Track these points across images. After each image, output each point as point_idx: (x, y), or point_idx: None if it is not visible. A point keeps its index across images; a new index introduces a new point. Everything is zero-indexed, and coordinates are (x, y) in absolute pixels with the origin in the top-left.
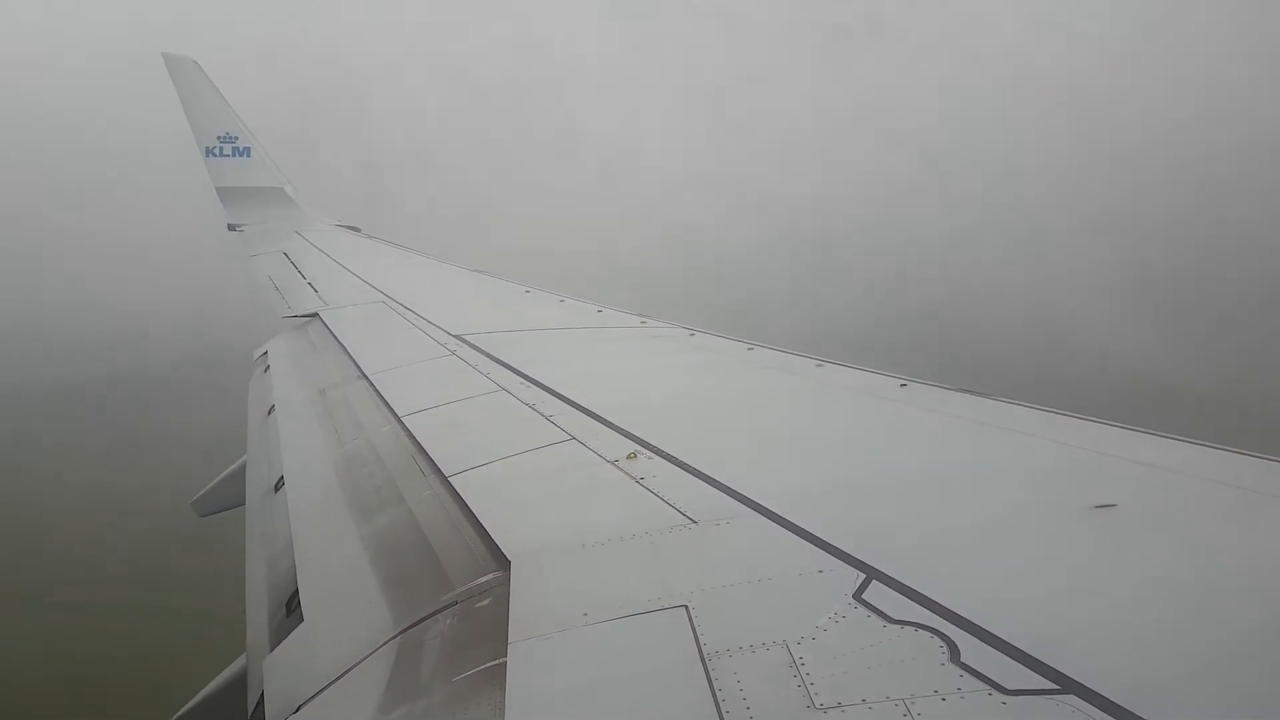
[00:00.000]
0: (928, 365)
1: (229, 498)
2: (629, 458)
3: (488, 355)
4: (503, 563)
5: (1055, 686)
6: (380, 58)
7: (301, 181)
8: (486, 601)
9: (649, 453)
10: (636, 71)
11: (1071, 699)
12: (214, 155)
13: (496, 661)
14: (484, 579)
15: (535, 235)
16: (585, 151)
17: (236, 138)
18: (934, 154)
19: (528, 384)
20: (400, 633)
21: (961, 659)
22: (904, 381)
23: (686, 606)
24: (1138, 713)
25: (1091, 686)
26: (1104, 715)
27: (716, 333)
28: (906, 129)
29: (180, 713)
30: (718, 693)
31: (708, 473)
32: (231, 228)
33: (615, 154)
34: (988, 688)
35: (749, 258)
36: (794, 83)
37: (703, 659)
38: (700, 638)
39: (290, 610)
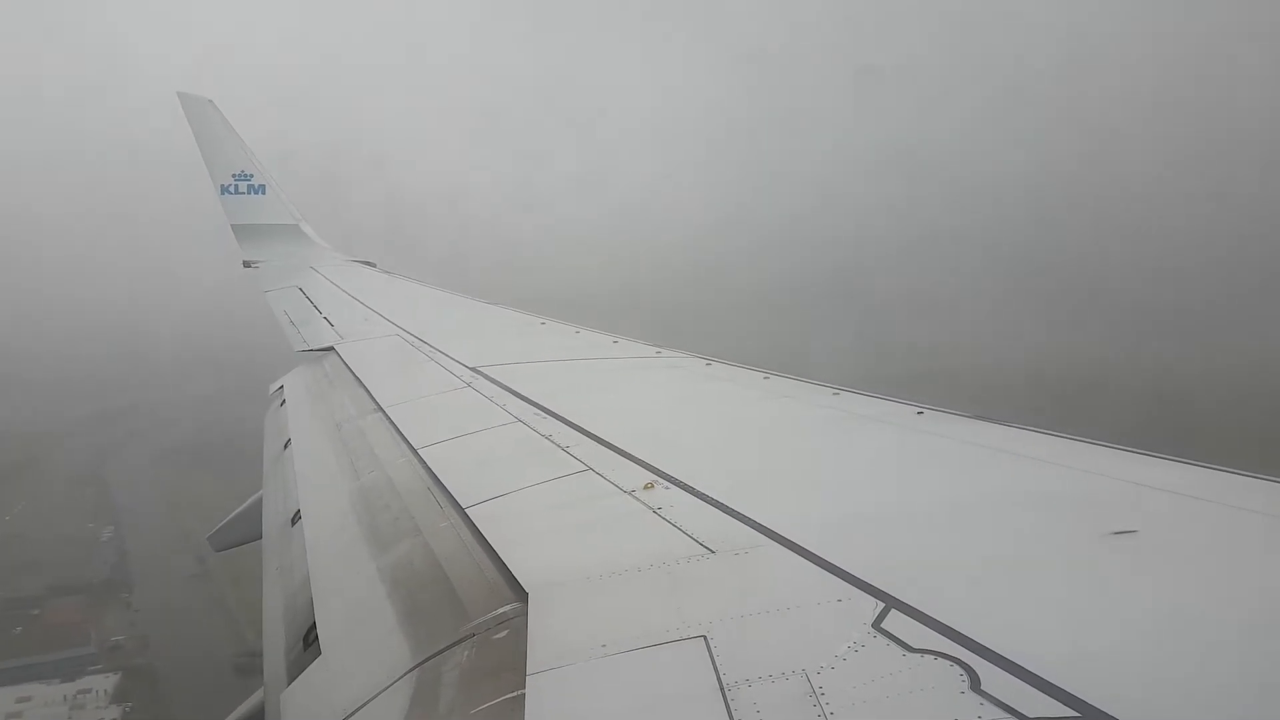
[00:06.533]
0: (958, 398)
1: (245, 532)
2: (646, 488)
3: (504, 387)
4: (520, 594)
5: (1075, 714)
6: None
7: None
8: (504, 633)
9: (666, 483)
10: (669, 114)
11: None
12: (229, 193)
13: (515, 694)
14: (501, 610)
15: (563, 277)
16: (614, 192)
17: (252, 175)
18: (962, 186)
19: (544, 415)
20: (418, 665)
21: (981, 687)
22: (920, 409)
23: (705, 637)
24: None
25: (1111, 713)
26: None
27: (732, 362)
28: (935, 162)
29: None
30: None
31: (725, 502)
32: (247, 264)
33: (645, 195)
34: (1008, 715)
35: (776, 294)
36: (827, 120)
37: (722, 689)
38: (719, 668)
39: (308, 644)
